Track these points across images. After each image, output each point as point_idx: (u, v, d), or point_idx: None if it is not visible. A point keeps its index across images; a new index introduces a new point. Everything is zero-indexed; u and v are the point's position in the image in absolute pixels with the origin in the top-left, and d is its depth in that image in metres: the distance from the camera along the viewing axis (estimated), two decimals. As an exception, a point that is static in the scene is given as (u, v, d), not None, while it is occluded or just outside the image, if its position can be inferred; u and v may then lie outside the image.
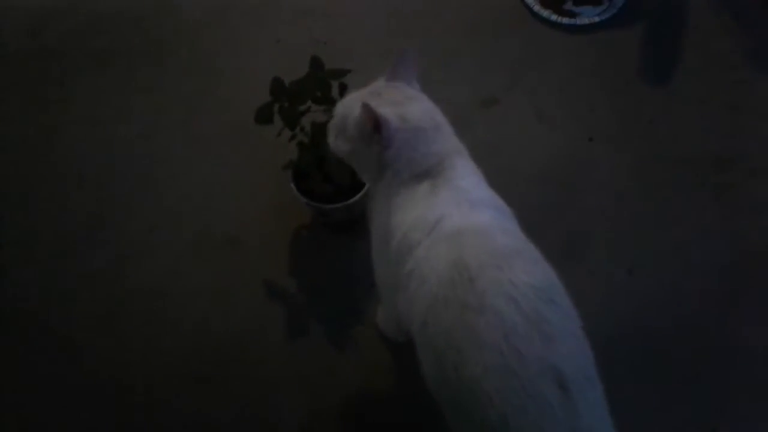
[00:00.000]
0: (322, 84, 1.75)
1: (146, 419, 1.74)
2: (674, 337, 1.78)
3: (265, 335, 1.84)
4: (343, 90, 1.77)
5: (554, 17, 2.38)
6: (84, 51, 2.43)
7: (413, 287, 1.28)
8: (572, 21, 2.38)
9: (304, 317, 1.87)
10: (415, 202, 1.35)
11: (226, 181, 2.11)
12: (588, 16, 2.39)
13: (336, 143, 1.46)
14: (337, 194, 1.84)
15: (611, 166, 2.08)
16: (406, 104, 1.40)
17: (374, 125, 1.33)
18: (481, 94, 2.24)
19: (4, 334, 1.88)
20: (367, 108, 1.32)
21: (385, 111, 1.33)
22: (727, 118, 2.17)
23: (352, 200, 1.83)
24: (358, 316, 1.85)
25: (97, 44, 2.44)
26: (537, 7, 2.40)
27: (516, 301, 1.14)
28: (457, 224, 1.28)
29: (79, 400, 1.77)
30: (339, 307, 1.88)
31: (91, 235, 2.03)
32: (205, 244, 2.00)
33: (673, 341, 1.77)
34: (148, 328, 1.87)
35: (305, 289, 1.91)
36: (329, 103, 1.77)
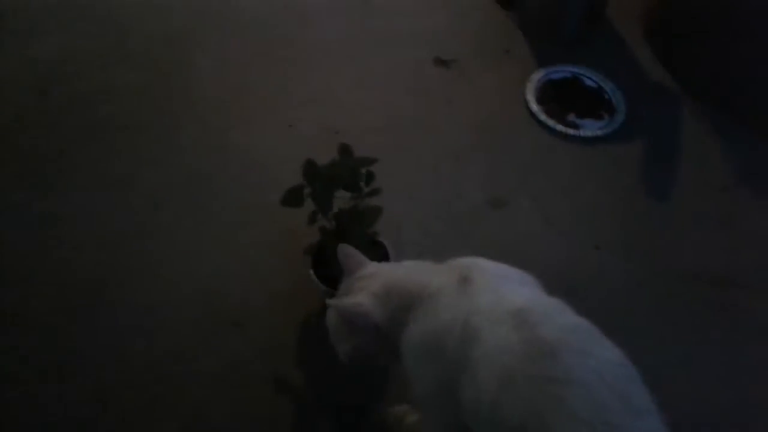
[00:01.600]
0: (352, 172, 1.74)
1: None
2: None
3: (270, 429, 1.74)
4: (371, 178, 1.77)
5: (559, 127, 2.46)
6: (89, 117, 2.37)
7: (482, 372, 1.25)
8: (576, 132, 2.46)
9: (312, 413, 1.78)
10: (457, 301, 1.35)
11: (233, 262, 2.04)
12: (590, 129, 2.47)
13: (340, 350, 1.51)
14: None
15: (616, 276, 2.10)
16: (369, 284, 1.48)
17: (351, 316, 1.44)
18: (490, 194, 2.26)
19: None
20: (335, 306, 1.46)
21: (352, 301, 1.45)
22: (724, 236, 2.23)
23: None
24: (368, 415, 1.77)
25: (103, 112, 2.39)
26: (543, 116, 2.48)
27: (602, 376, 1.15)
28: (514, 303, 1.29)
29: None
30: (348, 404, 1.80)
31: (88, 311, 1.92)
32: (209, 327, 1.91)
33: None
34: (144, 416, 1.75)
35: (313, 381, 1.83)
36: (358, 190, 1.76)
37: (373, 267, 1.54)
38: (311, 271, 1.81)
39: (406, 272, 1.48)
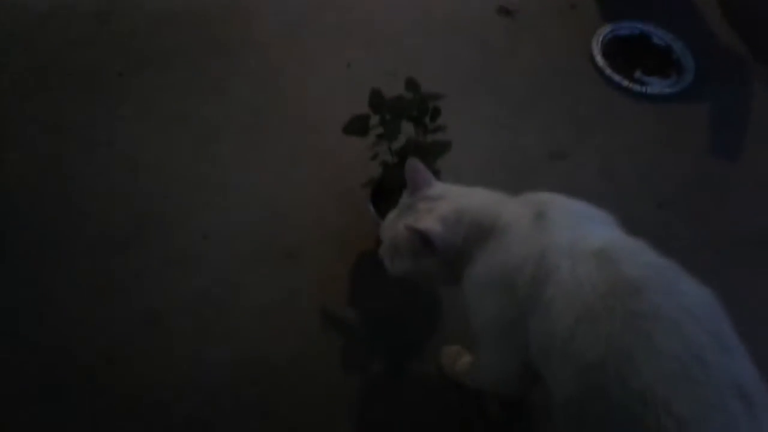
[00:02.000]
0: (420, 104, 1.69)
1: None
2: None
3: (320, 364, 1.71)
4: (437, 114, 1.72)
5: (625, 83, 2.38)
6: (148, 46, 2.34)
7: (557, 308, 1.20)
8: (642, 89, 2.37)
9: (362, 349, 1.75)
10: (530, 237, 1.30)
11: (287, 197, 2.01)
12: (658, 87, 2.39)
13: (395, 265, 1.47)
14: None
15: (680, 237, 2.03)
16: (437, 206, 1.42)
17: (422, 241, 1.37)
18: (549, 146, 2.20)
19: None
20: (410, 229, 1.36)
21: (426, 224, 1.37)
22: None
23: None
24: (420, 353, 1.74)
25: (162, 41, 2.36)
26: (608, 71, 2.40)
27: (691, 312, 1.11)
28: (596, 243, 1.23)
29: (115, 414, 1.62)
30: (400, 342, 1.77)
31: (140, 236, 1.90)
32: (262, 259, 1.88)
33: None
34: (192, 342, 1.73)
35: (364, 319, 1.79)
36: (423, 125, 1.71)
37: (441, 187, 1.46)
38: (370, 205, 1.76)
39: (478, 200, 1.42)
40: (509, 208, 1.37)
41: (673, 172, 2.19)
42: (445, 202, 1.41)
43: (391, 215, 1.49)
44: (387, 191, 1.75)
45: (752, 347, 1.68)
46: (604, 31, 2.53)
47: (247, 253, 1.89)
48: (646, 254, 1.24)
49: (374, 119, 1.66)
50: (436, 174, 1.80)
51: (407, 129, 1.71)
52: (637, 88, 2.37)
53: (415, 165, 1.47)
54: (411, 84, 1.74)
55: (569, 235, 1.26)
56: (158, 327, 1.74)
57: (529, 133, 2.24)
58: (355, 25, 2.48)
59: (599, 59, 2.43)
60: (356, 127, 1.67)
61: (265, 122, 2.17)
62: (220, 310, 1.78)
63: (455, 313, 1.74)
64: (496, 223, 1.35)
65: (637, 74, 2.42)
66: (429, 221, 1.37)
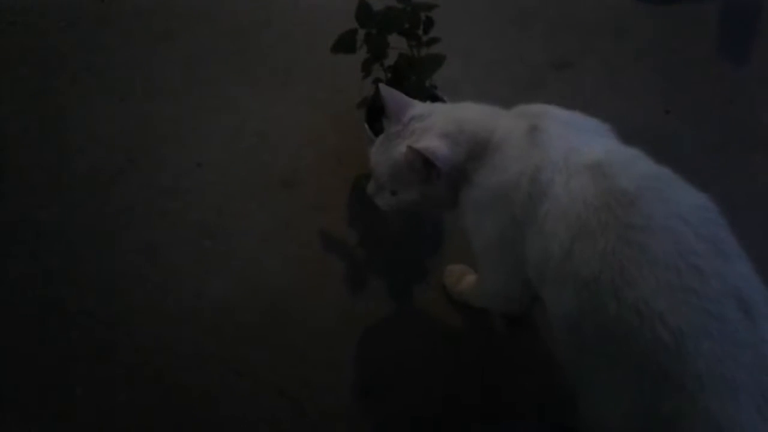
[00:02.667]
0: (411, 15, 1.61)
1: (191, 374, 1.58)
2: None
3: (321, 286, 1.68)
4: (430, 25, 1.64)
5: (629, -15, 2.27)
6: None
7: (551, 225, 1.17)
8: (648, -10, 2.27)
9: (363, 271, 1.72)
10: (524, 152, 1.25)
11: (281, 121, 1.95)
12: (663, -13, 2.28)
13: (393, 200, 1.41)
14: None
15: (688, 142, 1.96)
16: (433, 123, 1.34)
17: (426, 162, 1.29)
18: (553, 56, 2.12)
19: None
20: (412, 150, 1.28)
21: (428, 143, 1.30)
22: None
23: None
24: (422, 274, 1.71)
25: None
26: (611, -27, 2.29)
27: (686, 220, 1.07)
28: (589, 155, 1.20)
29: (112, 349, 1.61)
30: (401, 263, 1.74)
31: (132, 167, 1.86)
32: (258, 185, 1.84)
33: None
34: (192, 272, 1.71)
35: (365, 241, 1.76)
36: (416, 37, 1.64)
37: (424, 106, 1.38)
38: (365, 125, 1.71)
39: (471, 113, 1.35)
40: (502, 123, 1.32)
41: (680, 75, 2.11)
42: (439, 117, 1.35)
43: (378, 146, 1.42)
44: (382, 110, 1.69)
45: (757, 250, 1.64)
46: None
47: (243, 180, 1.85)
48: (640, 164, 1.21)
49: (362, 34, 1.59)
50: (434, 88, 1.74)
51: (402, 42, 1.64)
52: (642, -11, 2.27)
53: (389, 91, 1.39)
54: (402, -7, 1.65)
55: (563, 149, 1.22)
56: (156, 259, 1.72)
57: (530, 43, 2.15)
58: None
59: (602, -39, 2.31)
60: (344, 44, 1.59)
61: (254, 42, 2.10)
62: (218, 240, 1.75)
63: (457, 233, 1.70)
64: (490, 138, 1.30)
65: (642, -25, 2.31)
66: (429, 140, 1.30)
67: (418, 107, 1.38)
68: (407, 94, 1.55)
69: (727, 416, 0.97)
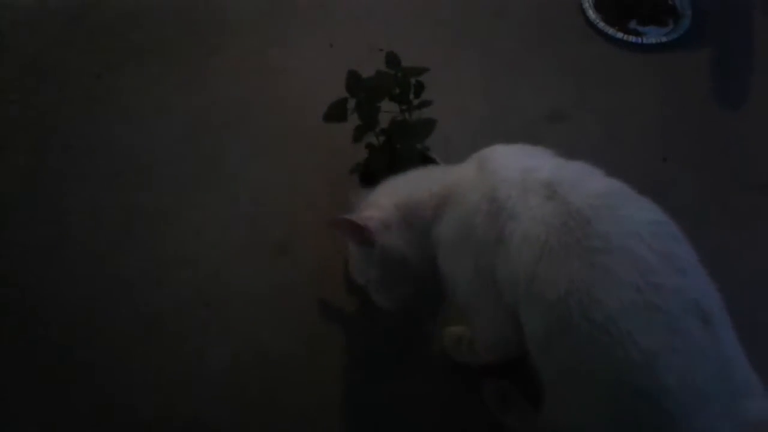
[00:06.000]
0: (400, 81, 1.62)
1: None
2: None
3: (321, 356, 1.67)
4: (420, 89, 1.65)
5: (620, 35, 2.27)
6: (125, 43, 2.27)
7: (516, 246, 1.20)
8: (638, 40, 2.27)
9: (363, 339, 1.70)
10: (478, 181, 1.31)
11: (277, 186, 1.95)
12: (654, 36, 2.29)
13: (380, 291, 1.49)
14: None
15: (687, 188, 1.95)
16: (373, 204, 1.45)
17: (360, 237, 1.40)
18: (547, 109, 2.12)
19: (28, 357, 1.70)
20: (334, 222, 1.43)
21: (359, 215, 1.41)
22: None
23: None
24: (422, 339, 1.69)
25: (139, 37, 2.29)
26: (601, 24, 2.30)
27: (642, 237, 1.12)
28: (542, 174, 1.24)
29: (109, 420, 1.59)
30: (401, 329, 1.71)
31: (129, 236, 1.86)
32: (254, 251, 1.83)
33: None
34: (191, 342, 1.69)
35: (364, 307, 1.73)
36: (407, 102, 1.64)
37: (376, 213, 1.44)
38: (361, 191, 1.70)
39: (413, 180, 1.45)
40: (455, 173, 1.39)
41: (676, 123, 2.11)
42: (374, 204, 1.44)
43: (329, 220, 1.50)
44: (377, 174, 1.69)
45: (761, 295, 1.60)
46: (593, -18, 2.43)
47: (239, 247, 1.84)
48: (590, 180, 1.25)
49: (352, 102, 1.60)
50: (426, 150, 1.74)
51: (394, 105, 1.65)
52: (632, 39, 2.27)
53: (338, 223, 1.44)
54: (391, 59, 1.66)
55: (516, 168, 1.28)
56: (156, 329, 1.71)
57: (525, 97, 2.15)
58: (333, 2, 2.39)
59: (591, 13, 2.32)
60: (335, 113, 1.60)
61: (248, 111, 2.11)
62: (217, 308, 1.74)
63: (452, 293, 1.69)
64: (449, 192, 1.37)
65: (632, 25, 2.32)
66: (356, 216, 1.41)
67: (376, 223, 1.42)
68: (400, 158, 1.57)
69: (701, 426, 1.05)
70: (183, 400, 1.61)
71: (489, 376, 1.58)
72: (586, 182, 1.23)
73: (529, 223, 1.19)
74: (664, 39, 2.28)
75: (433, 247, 1.39)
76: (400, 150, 1.61)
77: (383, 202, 1.43)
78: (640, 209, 1.19)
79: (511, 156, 1.34)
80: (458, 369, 1.62)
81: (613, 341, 1.06)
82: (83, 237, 1.87)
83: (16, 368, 1.67)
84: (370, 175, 1.70)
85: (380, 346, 1.69)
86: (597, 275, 1.10)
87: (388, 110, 1.65)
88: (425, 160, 1.73)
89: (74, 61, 2.24)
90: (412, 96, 1.65)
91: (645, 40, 2.27)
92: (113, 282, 1.79)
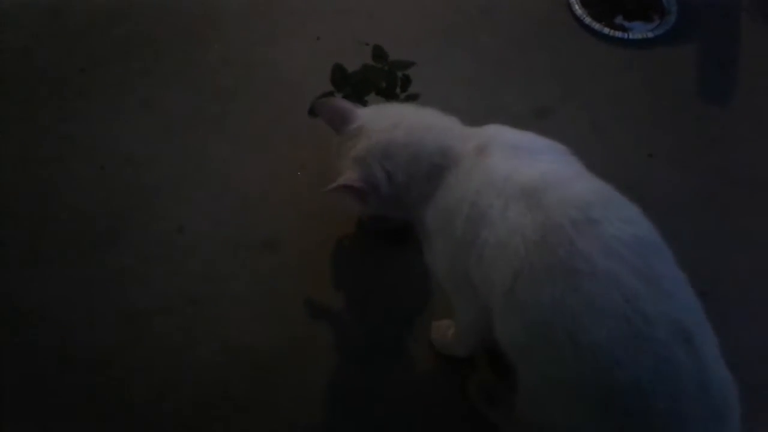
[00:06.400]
0: (388, 75, 1.61)
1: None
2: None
3: (306, 350, 1.66)
4: (407, 83, 1.64)
5: (607, 30, 2.28)
6: (107, 38, 2.24)
7: (490, 253, 1.19)
8: (624, 35, 2.27)
9: (350, 333, 1.69)
10: (468, 175, 1.28)
11: (263, 181, 1.93)
12: (640, 31, 2.29)
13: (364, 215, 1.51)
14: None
15: (674, 184, 1.96)
16: (358, 146, 1.35)
17: (356, 194, 1.33)
18: (534, 104, 2.11)
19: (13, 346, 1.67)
20: (329, 192, 1.33)
21: (342, 180, 1.33)
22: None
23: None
24: (410, 333, 1.68)
25: (122, 31, 2.26)
26: (588, 20, 2.30)
27: (626, 260, 1.09)
28: (527, 178, 1.21)
29: (97, 419, 1.56)
30: (388, 323, 1.71)
31: (112, 235, 1.83)
32: (240, 247, 1.81)
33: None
34: (177, 340, 1.67)
35: (350, 303, 1.74)
36: (393, 96, 1.63)
37: (365, 116, 1.38)
38: (346, 185, 1.69)
39: (412, 124, 1.35)
40: (457, 143, 1.33)
41: (662, 119, 2.11)
42: (362, 138, 1.34)
43: (323, 190, 1.39)
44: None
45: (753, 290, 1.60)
46: (581, -23, 2.44)
47: (225, 243, 1.82)
48: (576, 188, 1.20)
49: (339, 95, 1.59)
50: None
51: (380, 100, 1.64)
52: (619, 34, 2.28)
53: (323, 105, 1.41)
54: (378, 53, 1.66)
55: (505, 171, 1.24)
56: (140, 326, 1.69)
57: (511, 92, 2.15)
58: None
59: (577, 8, 2.32)
60: (320, 107, 1.59)
61: (233, 106, 2.09)
62: (202, 305, 1.72)
63: (441, 290, 1.69)
64: (445, 158, 1.31)
65: (618, 20, 2.32)
66: (348, 176, 1.33)
67: (360, 117, 1.37)
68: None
69: None
70: (168, 399, 1.59)
71: (475, 371, 1.58)
72: (571, 188, 1.20)
73: (506, 234, 1.17)
74: (650, 35, 2.28)
75: (424, 205, 1.34)
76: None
77: (364, 154, 1.33)
78: (623, 222, 1.14)
79: (509, 149, 1.29)
80: (445, 363, 1.61)
81: (600, 367, 1.07)
82: (65, 232, 1.84)
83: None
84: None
85: (367, 343, 1.68)
86: (582, 301, 1.09)
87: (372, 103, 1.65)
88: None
89: (57, 56, 2.20)
90: (398, 90, 1.64)
91: (631, 36, 2.28)
92: (96, 279, 1.76)
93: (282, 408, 1.58)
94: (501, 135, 1.34)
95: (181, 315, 1.70)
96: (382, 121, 1.35)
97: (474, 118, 2.06)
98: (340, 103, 1.40)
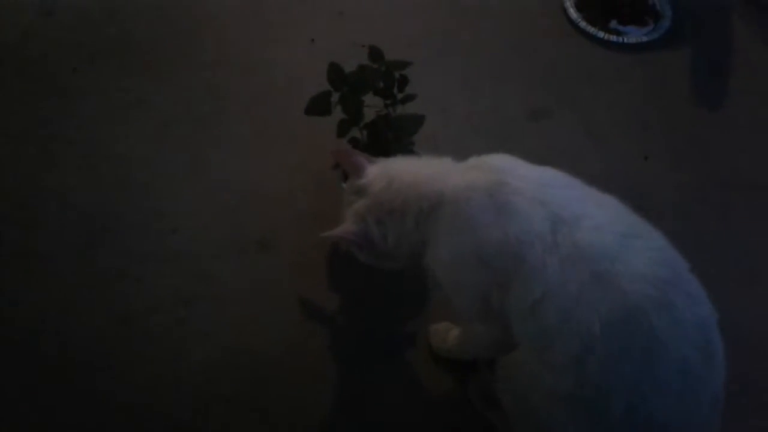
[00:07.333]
0: (385, 75, 1.60)
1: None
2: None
3: (302, 352, 1.64)
4: (405, 83, 1.64)
5: (601, 34, 2.28)
6: (99, 37, 2.23)
7: (548, 314, 1.16)
8: (619, 39, 2.28)
9: (346, 335, 1.68)
10: (491, 215, 1.23)
11: (258, 182, 1.91)
12: (635, 35, 2.30)
13: (365, 261, 1.45)
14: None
15: (670, 187, 1.96)
16: (359, 202, 1.38)
17: (352, 245, 1.39)
18: (528, 107, 2.12)
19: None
20: (330, 238, 1.41)
21: (340, 229, 1.39)
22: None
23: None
24: (407, 335, 1.67)
25: (115, 30, 2.25)
26: (583, 24, 2.30)
27: (692, 341, 1.13)
28: (583, 241, 1.16)
29: (90, 422, 1.54)
30: (384, 325, 1.70)
31: (105, 235, 1.81)
32: (235, 247, 1.79)
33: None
34: (171, 341, 1.65)
35: (346, 303, 1.72)
36: (391, 97, 1.63)
37: (370, 174, 1.39)
38: (343, 185, 1.68)
39: (408, 179, 1.34)
40: (455, 180, 1.29)
41: (657, 122, 2.12)
42: (364, 195, 1.37)
43: (324, 234, 1.44)
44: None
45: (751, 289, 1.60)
46: (575, -19, 2.44)
47: (219, 244, 1.80)
48: (640, 257, 1.16)
49: (336, 96, 1.58)
50: (411, 145, 1.72)
51: (376, 100, 1.63)
52: (613, 38, 2.28)
53: (340, 153, 1.45)
54: (374, 53, 1.65)
55: (544, 218, 1.19)
56: (134, 328, 1.66)
57: (506, 95, 2.15)
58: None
59: (572, 12, 2.33)
60: (317, 107, 1.58)
61: (226, 105, 2.07)
62: (195, 307, 1.70)
63: (439, 292, 1.67)
64: (438, 200, 1.29)
65: (613, 24, 2.33)
66: (345, 224, 1.39)
67: (366, 173, 1.39)
68: (385, 153, 1.54)
69: None
70: (162, 400, 1.56)
71: (474, 372, 1.57)
72: (637, 258, 1.16)
73: (571, 302, 1.14)
74: (644, 38, 2.29)
75: (422, 247, 1.34)
76: (386, 145, 1.59)
77: (363, 211, 1.36)
78: (692, 302, 1.15)
79: (536, 188, 1.23)
80: (443, 366, 1.60)
81: (648, 428, 1.13)
82: (59, 232, 1.82)
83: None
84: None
85: (363, 345, 1.67)
86: (653, 382, 1.11)
87: (369, 104, 1.64)
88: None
89: (50, 55, 2.18)
90: (396, 90, 1.64)
91: (626, 40, 2.29)
92: (89, 279, 1.74)
93: (278, 410, 1.56)
94: (517, 169, 1.29)
95: (175, 316, 1.68)
96: (381, 182, 1.36)
97: (469, 120, 2.08)
98: (355, 156, 1.43)
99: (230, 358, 1.63)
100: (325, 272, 1.76)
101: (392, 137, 1.60)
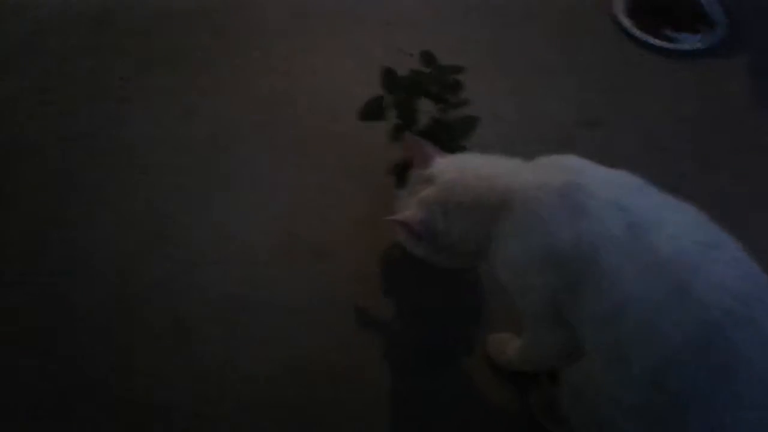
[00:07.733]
0: (439, 78, 1.58)
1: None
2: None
3: (359, 362, 1.60)
4: (458, 87, 1.61)
5: (654, 41, 2.24)
6: (151, 46, 2.25)
7: (629, 329, 1.12)
8: (673, 46, 2.24)
9: (402, 344, 1.64)
10: (564, 215, 1.18)
11: (311, 189, 1.90)
12: (689, 43, 2.25)
13: (421, 256, 1.43)
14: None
15: (727, 195, 1.90)
16: (427, 191, 1.36)
17: (408, 230, 1.36)
18: (582, 114, 2.08)
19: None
20: (391, 222, 1.37)
21: (405, 215, 1.35)
22: None
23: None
24: (464, 345, 1.63)
25: (165, 40, 2.27)
26: (635, 30, 2.27)
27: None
28: (663, 251, 1.11)
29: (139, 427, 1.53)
30: (441, 335, 1.66)
31: (157, 237, 1.81)
32: (288, 256, 1.78)
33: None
34: (224, 347, 1.63)
35: (402, 311, 1.69)
36: (444, 101, 1.60)
37: (438, 165, 1.37)
38: (398, 192, 1.65)
39: (473, 176, 1.31)
40: (525, 178, 1.26)
41: (715, 130, 2.07)
42: (432, 184, 1.34)
43: (403, 194, 1.43)
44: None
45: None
46: (626, -11, 2.41)
47: (272, 252, 1.79)
48: (726, 271, 1.11)
49: (389, 99, 1.56)
50: (461, 149, 1.69)
51: (427, 105, 1.61)
52: (667, 45, 2.24)
53: (411, 142, 1.43)
54: (426, 58, 1.63)
55: (619, 221, 1.15)
56: (185, 336, 1.65)
57: (557, 101, 2.12)
58: (360, 6, 2.37)
59: (623, 19, 2.29)
60: (371, 111, 1.57)
61: (278, 114, 2.07)
62: (249, 316, 1.68)
63: (498, 301, 1.64)
64: (507, 197, 1.25)
65: (665, 31, 2.29)
66: (410, 210, 1.35)
67: (435, 164, 1.37)
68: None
69: None
70: (213, 414, 1.54)
71: (536, 384, 1.53)
72: (719, 270, 1.11)
73: (650, 313, 1.10)
74: (699, 45, 2.25)
75: (487, 246, 1.31)
76: (441, 148, 1.57)
77: (430, 199, 1.34)
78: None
79: (607, 190, 1.20)
80: (501, 376, 1.56)
81: None
82: (111, 237, 1.82)
83: (31, 379, 1.62)
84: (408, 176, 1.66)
85: (419, 353, 1.63)
86: (731, 399, 1.06)
87: (423, 110, 1.62)
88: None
89: (101, 65, 2.21)
90: (449, 94, 1.61)
91: (680, 47, 2.24)
92: (139, 284, 1.73)
93: (333, 419, 1.53)
94: (588, 170, 1.26)
95: (227, 324, 1.66)
96: (451, 173, 1.34)
97: (521, 128, 2.04)
98: (426, 146, 1.41)
99: (284, 366, 1.60)
100: (379, 279, 1.74)
101: (446, 140, 1.57)
